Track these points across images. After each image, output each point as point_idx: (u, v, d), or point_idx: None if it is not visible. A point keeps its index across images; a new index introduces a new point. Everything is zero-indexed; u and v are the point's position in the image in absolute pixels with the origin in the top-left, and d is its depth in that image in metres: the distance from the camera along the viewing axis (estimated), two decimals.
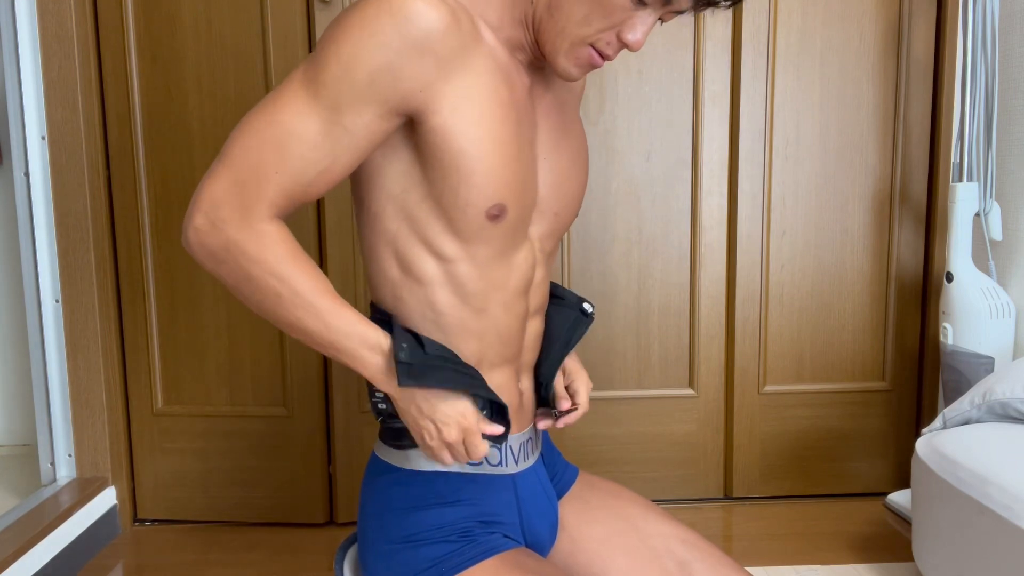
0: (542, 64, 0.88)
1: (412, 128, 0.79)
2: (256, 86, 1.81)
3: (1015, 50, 1.80)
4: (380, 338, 0.79)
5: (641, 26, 0.79)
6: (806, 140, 1.92)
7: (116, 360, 1.89)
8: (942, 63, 1.89)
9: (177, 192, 1.86)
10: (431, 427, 0.80)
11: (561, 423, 0.97)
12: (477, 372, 0.84)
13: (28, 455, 2.29)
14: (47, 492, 1.80)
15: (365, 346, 0.79)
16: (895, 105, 1.92)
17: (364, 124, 0.76)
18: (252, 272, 0.76)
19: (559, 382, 1.00)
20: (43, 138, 1.78)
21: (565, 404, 0.98)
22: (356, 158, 0.78)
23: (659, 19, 0.81)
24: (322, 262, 1.85)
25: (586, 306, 0.99)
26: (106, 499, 1.86)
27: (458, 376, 0.81)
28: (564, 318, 0.98)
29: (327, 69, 0.74)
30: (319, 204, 1.84)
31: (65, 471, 1.87)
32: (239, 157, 0.76)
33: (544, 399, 0.97)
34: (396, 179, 0.81)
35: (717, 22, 1.87)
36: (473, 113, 0.78)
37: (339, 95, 0.74)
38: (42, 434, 1.87)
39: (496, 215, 0.81)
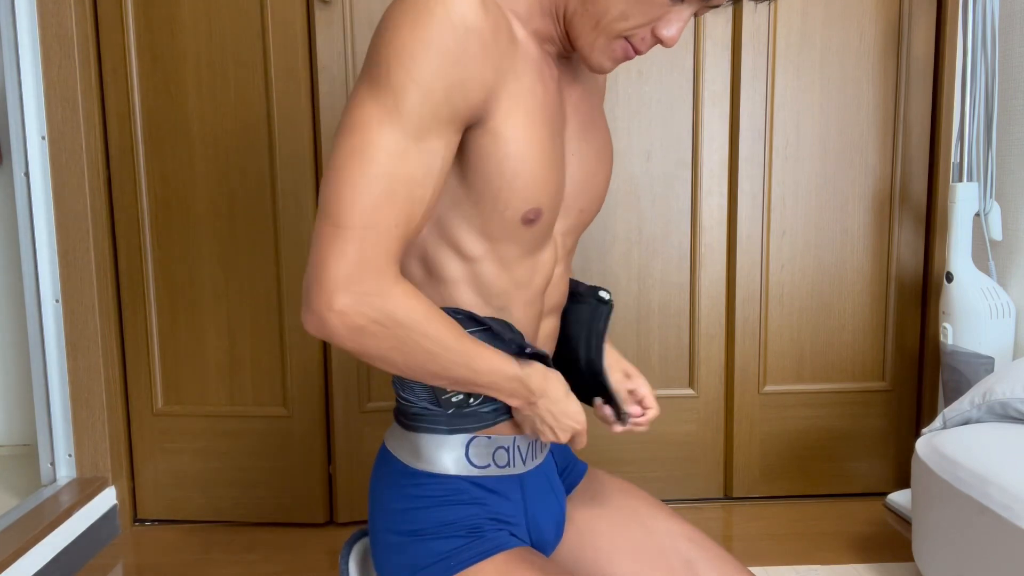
0: (570, 54, 0.86)
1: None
2: (256, 86, 1.81)
3: (1015, 50, 1.80)
4: (516, 369, 0.82)
5: (677, 22, 0.79)
6: (806, 140, 1.92)
7: (116, 360, 1.89)
8: (942, 63, 1.89)
9: (177, 192, 1.86)
10: (548, 431, 0.88)
11: (630, 425, 0.96)
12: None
13: (28, 455, 2.29)
14: (47, 492, 1.80)
15: (506, 379, 0.81)
16: (895, 105, 1.92)
17: (446, 143, 0.74)
18: (404, 337, 0.73)
19: (622, 383, 0.98)
20: (43, 138, 1.78)
21: (636, 410, 0.96)
22: (445, 180, 0.76)
23: (694, 13, 0.80)
24: None
25: (602, 293, 0.97)
26: (106, 499, 1.86)
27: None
28: (580, 312, 0.97)
29: (406, 95, 0.70)
30: None
31: (65, 471, 1.87)
32: (356, 220, 0.70)
33: (600, 392, 0.96)
34: None
35: (717, 22, 1.87)
36: (519, 116, 0.77)
37: (422, 121, 0.71)
38: (42, 434, 1.87)
39: (532, 219, 0.81)
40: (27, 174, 1.79)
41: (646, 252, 1.94)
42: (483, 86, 0.73)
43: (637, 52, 0.81)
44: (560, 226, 0.89)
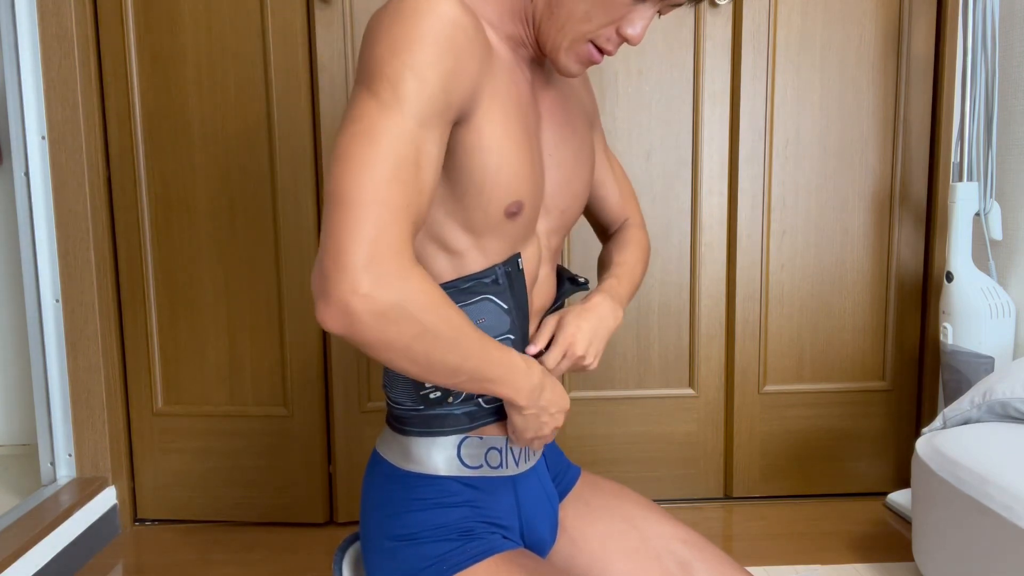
0: (542, 60, 0.89)
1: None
2: (256, 86, 1.81)
3: (1015, 50, 1.80)
4: (520, 359, 0.82)
5: (640, 20, 0.80)
6: (806, 140, 1.92)
7: (116, 360, 1.89)
8: (942, 63, 1.89)
9: (177, 192, 1.86)
10: (548, 421, 0.87)
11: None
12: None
13: (28, 455, 2.29)
14: (47, 492, 1.80)
15: (517, 369, 0.81)
16: (895, 105, 1.92)
17: (441, 134, 0.74)
18: (427, 322, 0.70)
19: (549, 323, 0.92)
20: (43, 138, 1.78)
21: (532, 349, 0.89)
22: (439, 173, 0.76)
23: (657, 12, 0.82)
24: None
25: (579, 278, 0.98)
26: (106, 499, 1.86)
27: None
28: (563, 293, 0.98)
29: (404, 83, 0.70)
30: (317, 201, 1.84)
31: (65, 471, 1.87)
32: (368, 196, 0.68)
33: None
34: None
35: (717, 22, 1.87)
36: (498, 112, 0.79)
37: (420, 107, 0.71)
38: (42, 434, 1.87)
39: (515, 212, 0.81)
40: (27, 174, 1.79)
41: None
42: (471, 78, 0.75)
43: (605, 52, 0.83)
44: (543, 225, 0.91)
